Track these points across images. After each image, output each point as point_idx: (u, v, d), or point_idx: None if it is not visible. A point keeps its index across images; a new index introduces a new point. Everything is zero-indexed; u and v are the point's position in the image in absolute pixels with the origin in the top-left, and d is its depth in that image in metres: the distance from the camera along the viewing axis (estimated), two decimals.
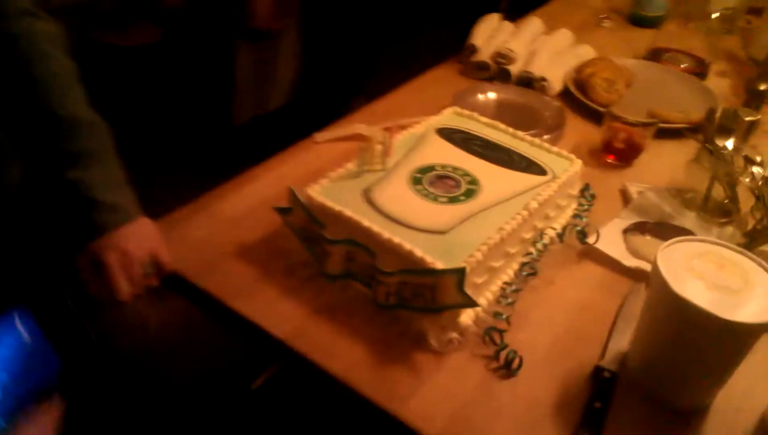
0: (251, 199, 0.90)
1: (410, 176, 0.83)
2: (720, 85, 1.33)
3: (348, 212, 0.75)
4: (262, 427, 1.12)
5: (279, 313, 0.74)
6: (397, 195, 0.80)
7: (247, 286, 0.77)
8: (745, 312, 0.60)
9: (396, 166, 0.85)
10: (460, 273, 0.67)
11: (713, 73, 1.38)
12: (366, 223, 0.74)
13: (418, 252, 0.70)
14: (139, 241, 0.76)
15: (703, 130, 0.99)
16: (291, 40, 1.77)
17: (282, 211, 0.81)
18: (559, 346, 0.73)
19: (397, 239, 0.71)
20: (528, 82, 1.21)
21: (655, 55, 1.39)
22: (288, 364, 0.72)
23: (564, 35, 1.37)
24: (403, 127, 0.95)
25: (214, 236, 0.84)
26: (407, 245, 0.71)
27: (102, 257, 0.73)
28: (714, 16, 1.51)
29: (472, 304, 0.68)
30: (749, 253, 0.66)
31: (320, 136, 1.05)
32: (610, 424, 0.64)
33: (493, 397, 0.67)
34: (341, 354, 0.70)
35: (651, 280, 0.66)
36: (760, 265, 0.65)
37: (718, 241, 0.68)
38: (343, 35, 1.80)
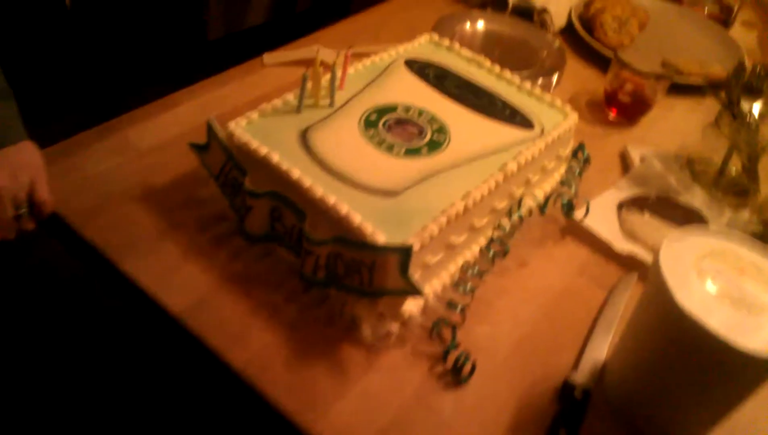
0: (168, 129, 0.73)
1: (363, 117, 0.66)
2: (746, 37, 1.15)
3: (275, 158, 0.59)
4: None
5: (179, 280, 0.58)
6: (342, 140, 0.63)
7: (144, 240, 0.61)
8: (766, 337, 0.45)
9: (347, 102, 0.68)
10: (404, 253, 0.52)
11: (739, 23, 1.19)
12: (296, 174, 0.57)
13: (357, 218, 0.54)
14: (13, 170, 0.59)
15: (726, 89, 0.82)
16: None
17: (198, 149, 0.65)
18: (524, 348, 0.59)
19: (332, 199, 0.55)
20: (526, 12, 1.02)
21: None
22: (181, 346, 0.57)
23: None
24: (367, 55, 0.77)
25: (113, 173, 0.67)
26: (344, 208, 0.55)
27: None
28: None
29: (416, 292, 0.53)
30: None
31: (269, 57, 0.87)
32: None
33: (435, 409, 0.53)
34: (249, 340, 0.55)
35: (649, 278, 0.51)
36: None
37: (738, 233, 0.53)
38: None
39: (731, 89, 0.81)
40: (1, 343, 0.92)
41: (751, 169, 0.76)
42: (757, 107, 0.80)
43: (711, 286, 0.48)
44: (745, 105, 0.80)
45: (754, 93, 0.83)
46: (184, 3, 1.65)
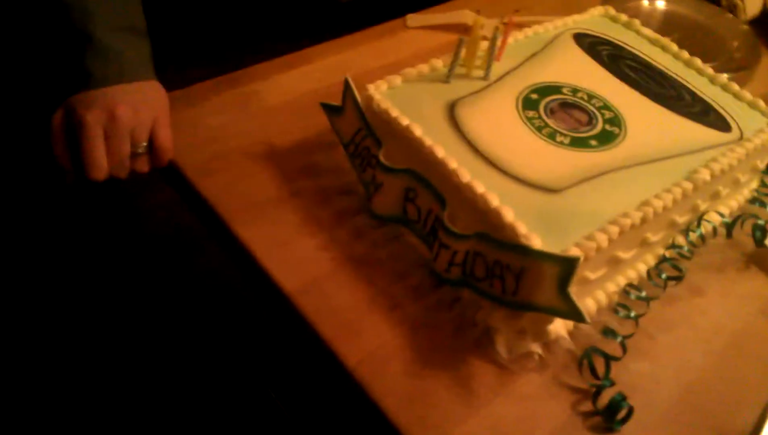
0: (296, 87, 0.67)
1: (521, 95, 0.56)
2: None
3: (418, 131, 0.50)
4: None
5: (294, 254, 0.52)
6: (496, 120, 0.54)
7: (260, 205, 0.55)
8: None
9: (504, 76, 0.58)
10: (567, 265, 0.42)
11: None
12: (441, 153, 0.49)
13: (509, 214, 0.45)
14: (137, 107, 0.54)
15: None
16: None
17: (330, 111, 0.58)
18: (691, 398, 0.48)
19: (481, 187, 0.47)
20: None
21: None
22: (289, 329, 0.51)
23: None
24: (528, 26, 0.67)
25: (234, 127, 0.62)
26: (494, 200, 0.46)
27: (80, 115, 0.52)
28: None
29: (577, 317, 0.43)
30: None
31: (413, 18, 0.79)
32: None
33: None
34: (364, 335, 0.48)
35: None
36: None
37: None
38: None
39: None
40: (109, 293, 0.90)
41: None
42: None
43: None
44: None
45: None
46: None
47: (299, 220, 0.54)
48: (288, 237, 0.53)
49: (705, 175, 0.51)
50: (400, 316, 0.49)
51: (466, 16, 0.77)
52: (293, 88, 0.66)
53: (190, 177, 0.57)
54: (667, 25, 0.81)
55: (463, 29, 0.75)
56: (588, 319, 0.43)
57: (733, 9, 0.86)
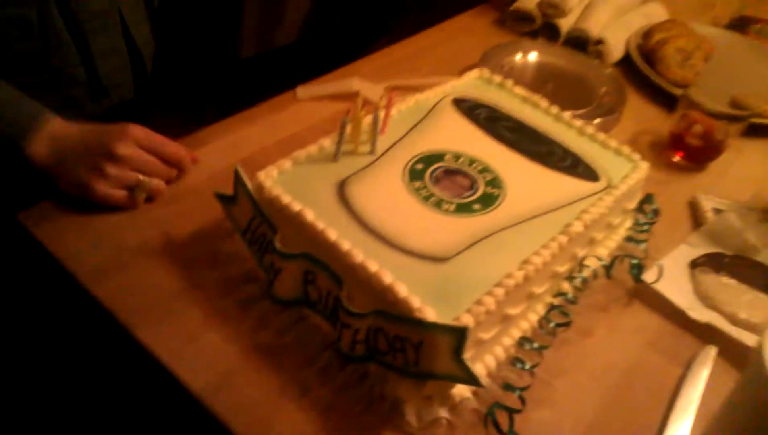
0: (191, 173, 0.67)
1: (407, 166, 0.60)
2: None
3: (310, 215, 0.52)
4: None
5: (199, 351, 0.52)
6: (384, 195, 0.56)
7: (161, 303, 0.55)
8: None
9: (389, 149, 0.61)
10: (459, 334, 0.45)
11: None
12: (333, 235, 0.51)
13: (403, 289, 0.47)
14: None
15: None
16: None
17: (224, 200, 0.59)
18: (594, 432, 0.51)
19: (374, 266, 0.49)
20: (580, 43, 0.95)
21: (740, 24, 1.10)
22: (202, 427, 0.51)
23: None
24: (411, 90, 0.71)
25: (127, 222, 0.61)
26: (388, 277, 0.48)
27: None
28: None
29: (472, 381, 0.46)
30: None
31: (303, 90, 0.81)
32: None
33: None
34: (277, 425, 0.48)
35: (750, 371, 0.43)
36: None
37: None
38: None
39: None
40: None
41: None
42: None
43: None
44: None
45: None
46: (219, 18, 1.60)
47: (203, 313, 0.55)
48: (193, 333, 0.53)
49: (578, 226, 0.55)
50: (311, 400, 0.50)
51: (354, 84, 0.81)
52: (191, 174, 0.67)
53: (84, 281, 0.56)
54: (541, 76, 0.88)
55: (353, 97, 0.78)
56: (483, 383, 0.46)
57: (599, 55, 0.94)
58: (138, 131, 0.62)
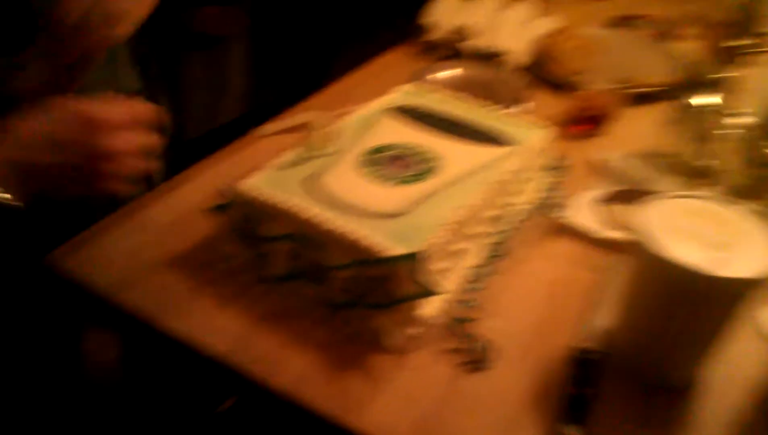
0: (181, 204, 0.81)
1: (360, 159, 0.75)
2: (688, 47, 1.26)
3: (287, 203, 0.66)
4: None
5: (216, 327, 0.65)
6: (345, 180, 0.71)
7: (178, 301, 0.67)
8: (736, 268, 0.52)
9: (344, 149, 0.77)
10: (413, 258, 0.59)
11: (681, 37, 1.30)
12: (308, 213, 0.65)
13: (366, 239, 0.61)
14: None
15: (676, 91, 0.92)
16: (242, 47, 1.68)
17: (218, 209, 0.73)
18: (535, 330, 0.65)
19: (341, 227, 0.63)
20: (491, 56, 1.14)
21: (619, 22, 1.31)
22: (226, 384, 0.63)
23: (525, 7, 1.30)
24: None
25: (139, 247, 0.74)
26: (354, 233, 0.62)
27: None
28: None
29: (431, 292, 0.60)
30: (737, 205, 0.59)
31: (265, 128, 0.97)
32: (596, 409, 0.57)
33: (464, 394, 0.59)
34: (288, 366, 0.61)
35: (633, 246, 0.58)
36: (750, 217, 0.57)
37: (703, 193, 0.61)
38: (296, 39, 1.71)
39: (680, 90, 0.91)
40: None
41: (711, 152, 0.84)
42: (705, 100, 0.89)
43: (686, 237, 0.55)
44: (694, 100, 0.89)
45: (700, 90, 0.92)
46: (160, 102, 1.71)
47: (213, 301, 0.67)
48: (208, 315, 0.66)
49: (498, 177, 0.71)
50: (312, 344, 0.63)
51: (308, 116, 0.96)
52: (181, 204, 0.80)
53: (106, 294, 0.68)
54: (462, 88, 1.04)
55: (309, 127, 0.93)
56: (436, 291, 0.60)
57: (507, 63, 1.13)
58: (108, 118, 0.55)
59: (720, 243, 0.55)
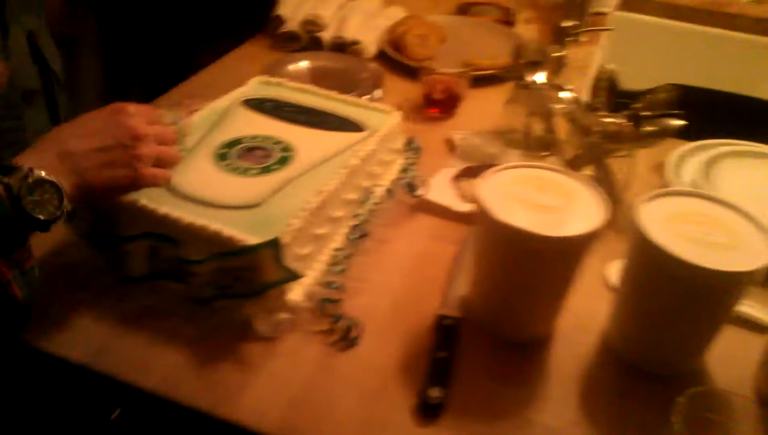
0: None
1: (214, 153, 0.74)
2: (528, 30, 1.37)
3: (141, 202, 0.65)
4: None
5: (75, 334, 0.62)
6: (200, 175, 0.70)
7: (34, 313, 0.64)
8: (567, 228, 0.58)
9: (197, 145, 0.75)
10: (275, 245, 0.60)
11: (521, 21, 1.41)
12: (162, 210, 0.64)
13: (226, 231, 0.61)
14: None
15: (514, 70, 0.99)
16: (91, 46, 1.59)
17: (67, 218, 0.69)
18: (400, 304, 0.68)
19: (199, 221, 0.62)
20: (341, 47, 1.16)
21: (463, 9, 1.39)
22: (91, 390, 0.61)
23: None
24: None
25: None
26: (212, 226, 0.62)
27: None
28: None
29: (295, 276, 0.61)
30: (566, 171, 0.65)
31: None
32: (457, 371, 0.61)
33: (335, 372, 0.61)
34: (157, 365, 0.60)
35: (477, 216, 0.63)
36: (578, 181, 0.64)
37: (539, 163, 0.67)
38: (150, 37, 1.64)
39: (517, 69, 0.98)
40: None
41: (548, 125, 0.92)
42: (541, 77, 0.97)
43: (521, 202, 0.61)
44: (530, 78, 0.97)
45: (536, 68, 1.00)
46: None
47: (69, 309, 0.64)
48: (66, 323, 0.63)
49: (353, 162, 0.73)
50: (180, 341, 0.62)
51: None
52: None
53: None
54: (314, 77, 1.06)
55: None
56: (301, 275, 0.61)
57: (357, 53, 1.16)
58: (131, 107, 0.63)
59: (552, 206, 0.61)
